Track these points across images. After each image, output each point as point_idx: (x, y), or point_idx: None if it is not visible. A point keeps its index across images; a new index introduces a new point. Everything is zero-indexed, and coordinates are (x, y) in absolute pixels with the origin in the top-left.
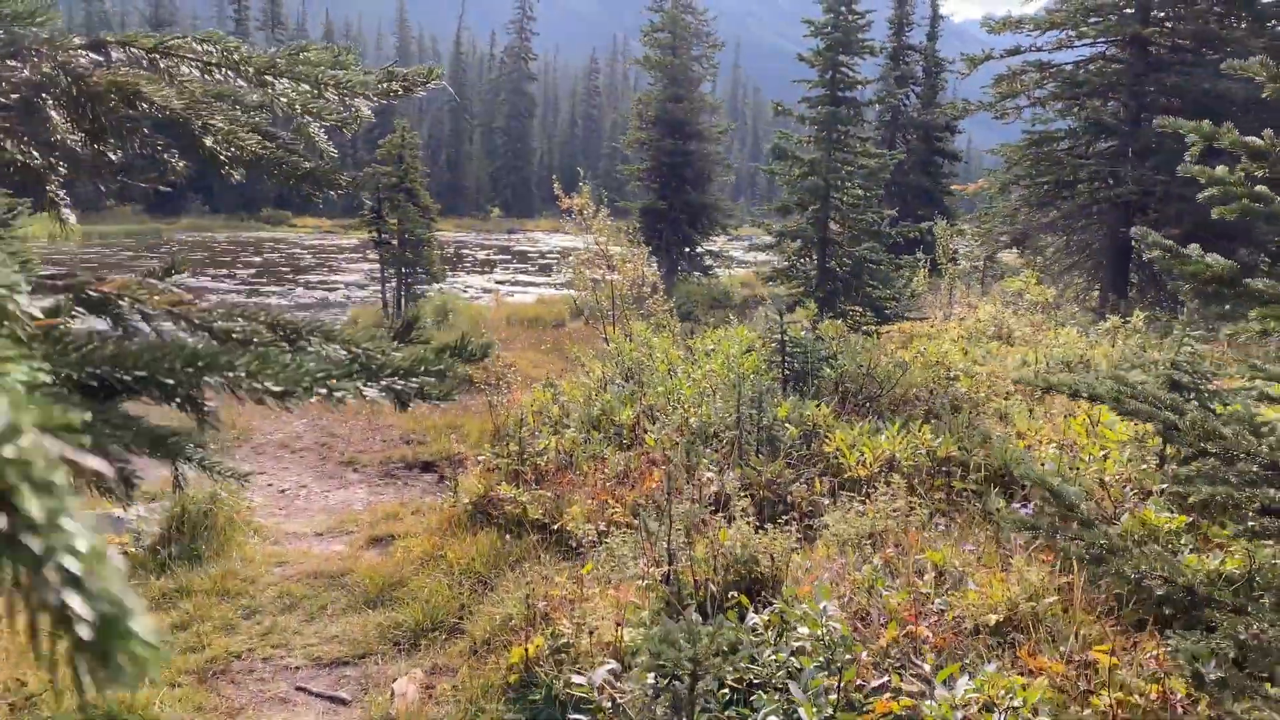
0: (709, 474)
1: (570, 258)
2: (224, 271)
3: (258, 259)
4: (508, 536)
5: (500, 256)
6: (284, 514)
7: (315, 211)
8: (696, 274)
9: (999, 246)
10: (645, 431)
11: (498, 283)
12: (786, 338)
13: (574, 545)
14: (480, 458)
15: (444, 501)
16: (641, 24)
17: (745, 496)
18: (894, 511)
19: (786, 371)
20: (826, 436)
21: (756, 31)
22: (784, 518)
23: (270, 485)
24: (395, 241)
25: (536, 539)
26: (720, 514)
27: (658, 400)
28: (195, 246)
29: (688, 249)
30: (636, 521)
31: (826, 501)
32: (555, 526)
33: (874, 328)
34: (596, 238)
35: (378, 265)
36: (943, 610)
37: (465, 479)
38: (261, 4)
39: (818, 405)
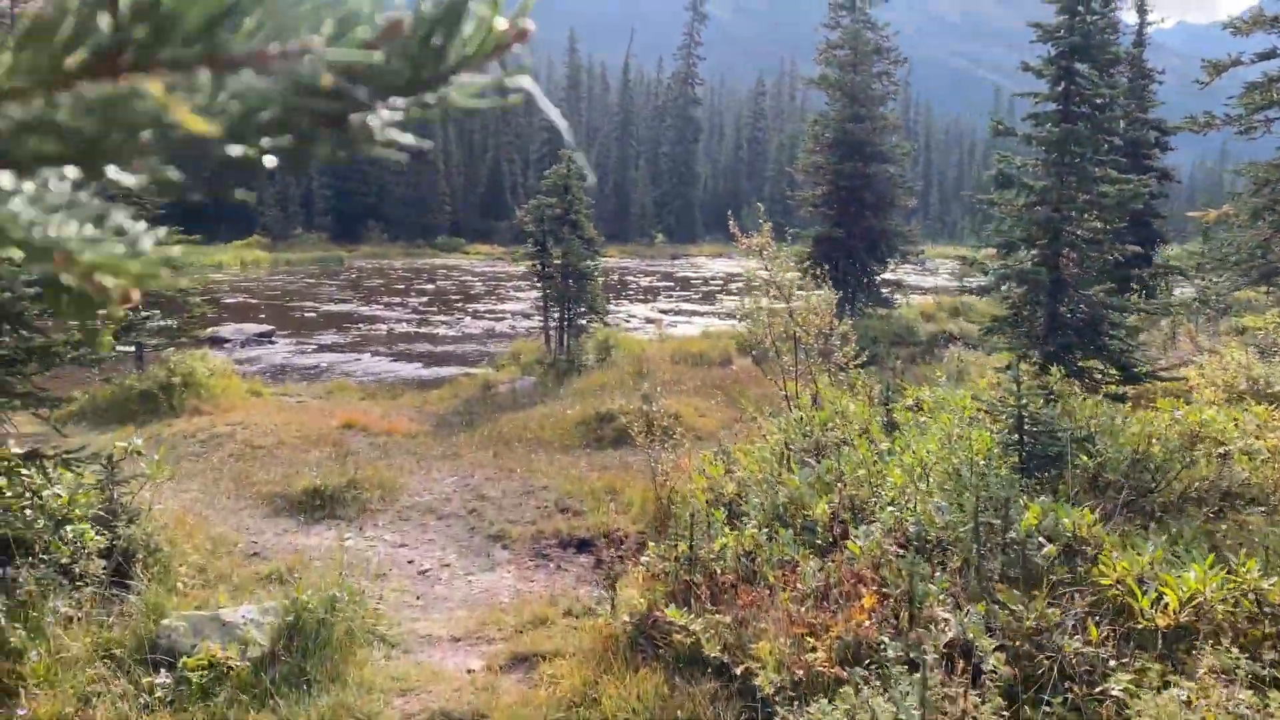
0: (942, 614)
1: (737, 289)
2: (397, 300)
3: (430, 286)
4: (676, 679)
5: (663, 283)
6: (420, 605)
7: (488, 238)
8: (873, 306)
9: (1243, 283)
10: (847, 531)
11: (661, 312)
12: (1025, 413)
13: (763, 699)
14: (644, 557)
15: (601, 615)
16: (816, 42)
17: (995, 648)
18: (1234, 704)
19: (1025, 453)
20: (1096, 557)
21: (924, 48)
22: (1053, 683)
23: (411, 563)
24: (559, 276)
25: (713, 688)
26: (960, 674)
27: (859, 490)
28: (373, 273)
29: (864, 279)
30: (846, 675)
31: (1113, 663)
32: (737, 671)
33: (1120, 389)
34: (776, 278)
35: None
36: None
37: (625, 590)
38: None
39: (1074, 506)
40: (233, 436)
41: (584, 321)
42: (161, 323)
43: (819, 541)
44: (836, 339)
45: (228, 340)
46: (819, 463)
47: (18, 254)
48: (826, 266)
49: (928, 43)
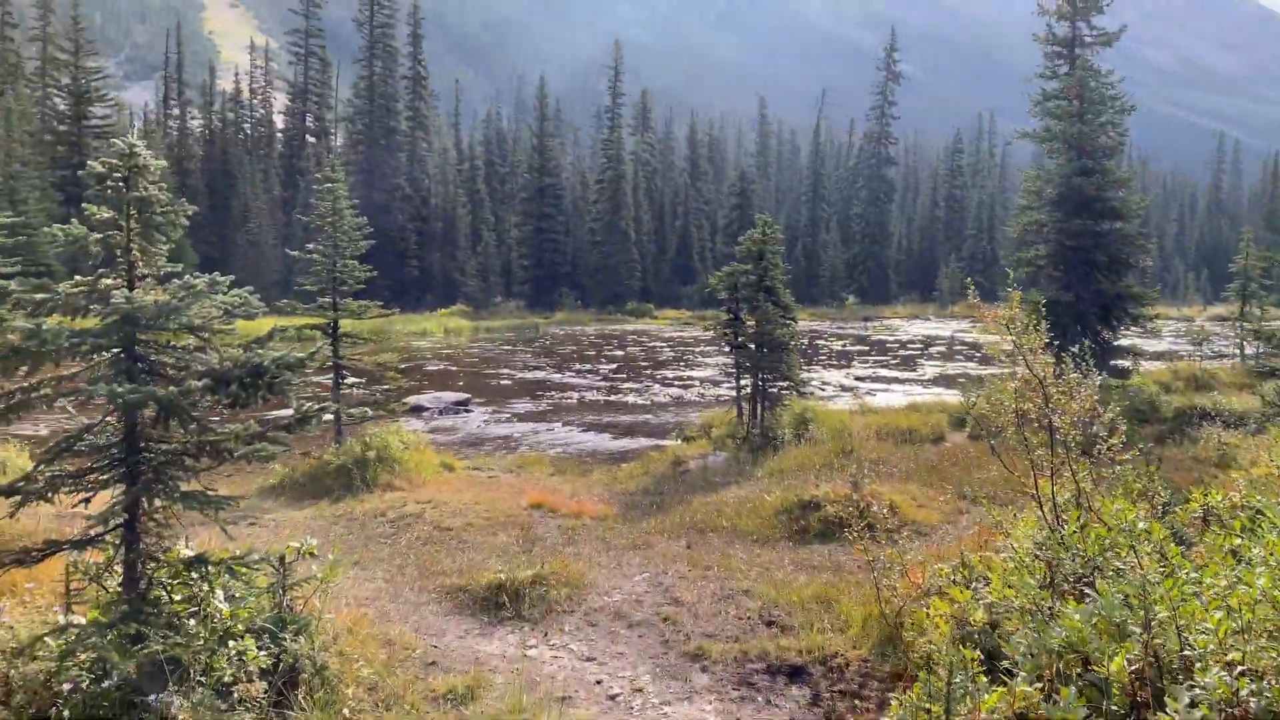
0: None
1: (937, 353)
2: (588, 366)
3: (620, 353)
4: None
5: (857, 347)
6: None
7: (676, 303)
8: (1104, 375)
9: None
10: (1153, 696)
11: (856, 379)
12: None
13: None
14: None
15: None
16: (1029, 93)
17: None
18: None
19: None
20: None
21: (1137, 98)
22: None
23: (599, 684)
24: (752, 344)
25: None
26: None
27: (1166, 637)
28: (565, 340)
29: (1094, 347)
30: None
31: None
32: None
33: None
34: (1025, 356)
35: (731, 362)
36: None
37: None
38: (632, 111)
39: None
40: (422, 516)
41: (779, 389)
42: (360, 391)
43: (1115, 707)
44: (1100, 427)
45: (426, 409)
46: (1096, 590)
47: None
48: (1052, 334)
49: (1138, 91)
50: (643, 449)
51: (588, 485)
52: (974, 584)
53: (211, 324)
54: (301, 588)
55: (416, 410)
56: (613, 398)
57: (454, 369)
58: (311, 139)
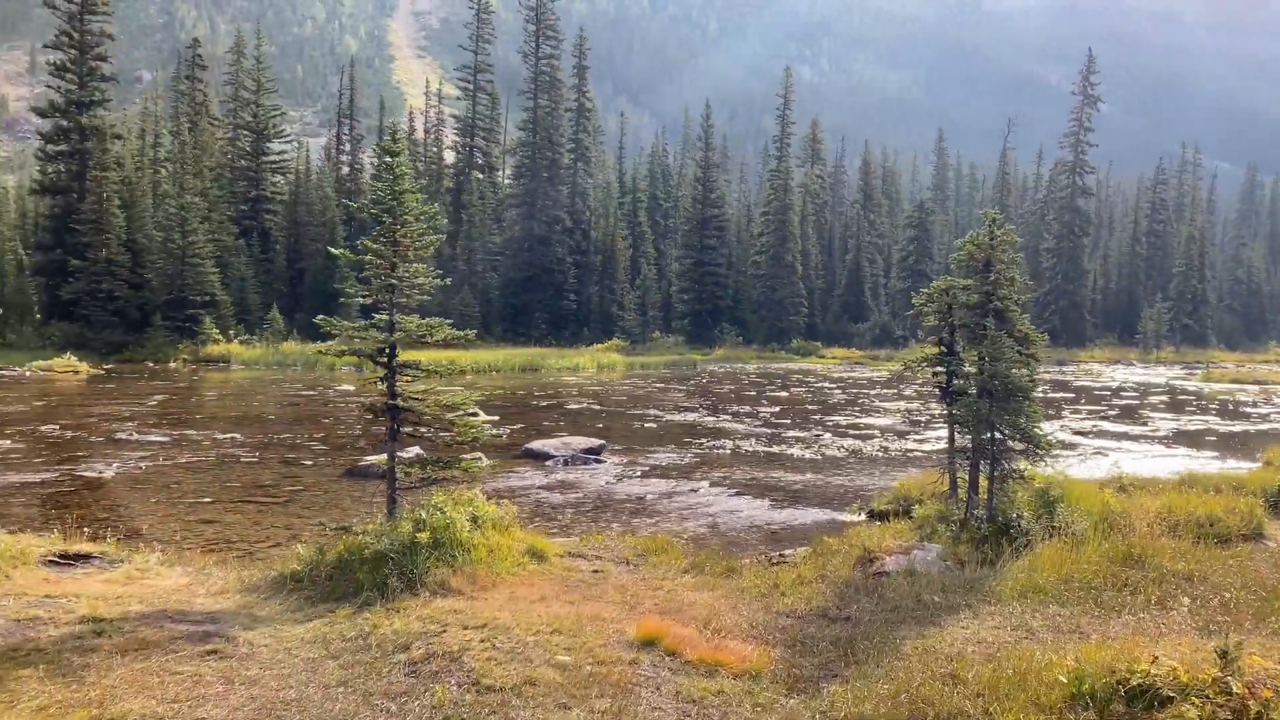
0: None
1: (1161, 403)
2: (746, 408)
3: (783, 394)
4: None
5: (1060, 394)
6: None
7: (846, 341)
8: None
9: None
10: None
11: (1075, 433)
12: None
13: None
14: None
15: None
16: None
17: None
18: None
19: None
20: None
21: None
22: None
23: None
24: (974, 389)
25: None
26: None
27: None
28: (724, 378)
29: None
30: None
31: None
32: None
33: None
34: None
35: (916, 406)
36: None
37: None
38: (800, 144)
39: None
40: (459, 660)
41: (1012, 453)
42: (438, 437)
43: None
44: None
45: (551, 456)
46: None
47: None
48: None
49: None
50: (814, 527)
51: (734, 597)
52: None
53: None
54: None
55: (538, 458)
56: (774, 448)
57: (597, 408)
58: (479, 174)
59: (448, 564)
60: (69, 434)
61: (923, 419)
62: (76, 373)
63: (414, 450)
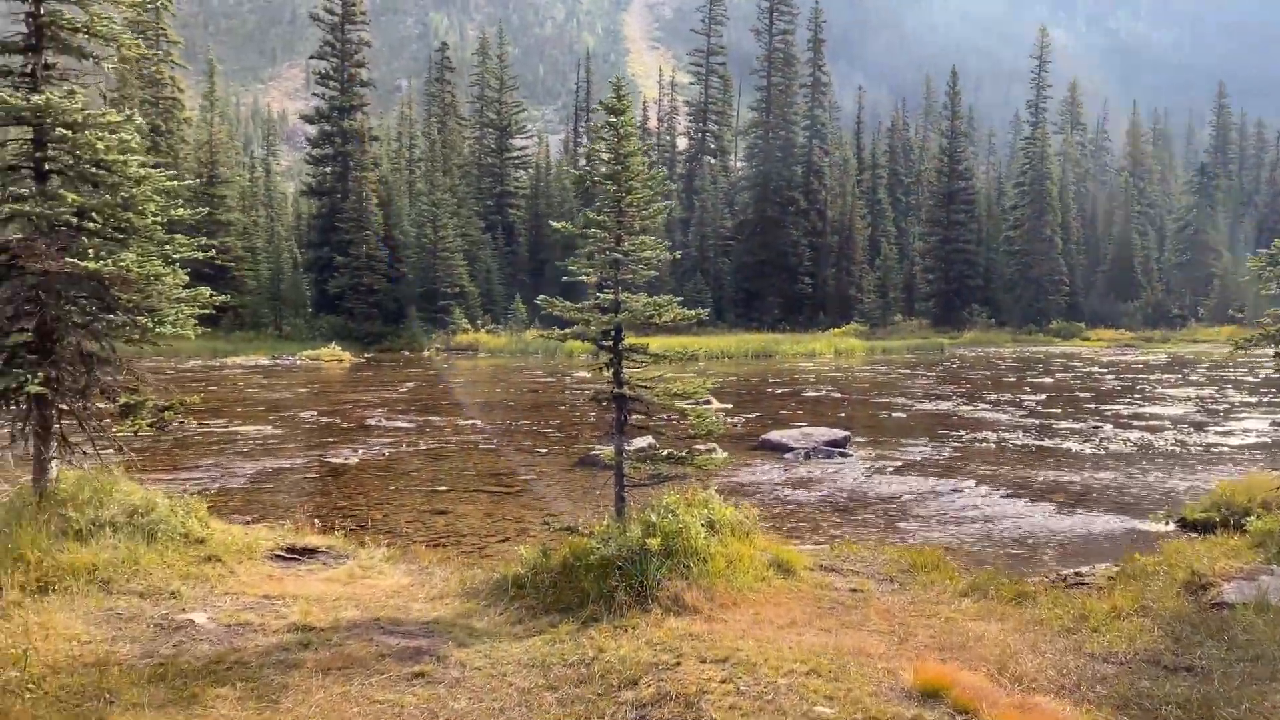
0: None
1: None
2: (1007, 396)
3: (1047, 380)
4: None
5: None
6: None
7: (1113, 322)
8: None
9: None
10: None
11: None
12: None
13: None
14: None
15: None
16: None
17: None
18: None
19: None
20: None
21: None
22: None
23: None
24: None
25: None
26: None
27: None
28: (976, 363)
29: None
30: None
31: None
32: None
33: None
34: None
35: (1210, 393)
36: None
37: None
38: (1056, 109)
39: None
40: (697, 707)
41: None
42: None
43: None
44: None
45: (791, 449)
46: None
47: None
48: None
49: None
50: (1110, 538)
51: (1029, 631)
52: None
53: None
54: None
55: (775, 449)
56: (1045, 441)
57: (837, 395)
58: (711, 159)
59: (681, 575)
60: (324, 420)
61: (1221, 407)
62: (340, 361)
63: (644, 440)
